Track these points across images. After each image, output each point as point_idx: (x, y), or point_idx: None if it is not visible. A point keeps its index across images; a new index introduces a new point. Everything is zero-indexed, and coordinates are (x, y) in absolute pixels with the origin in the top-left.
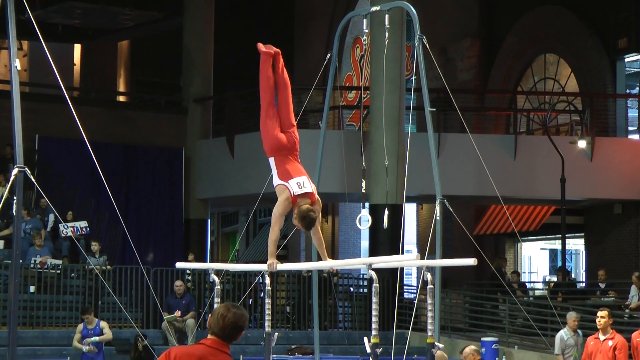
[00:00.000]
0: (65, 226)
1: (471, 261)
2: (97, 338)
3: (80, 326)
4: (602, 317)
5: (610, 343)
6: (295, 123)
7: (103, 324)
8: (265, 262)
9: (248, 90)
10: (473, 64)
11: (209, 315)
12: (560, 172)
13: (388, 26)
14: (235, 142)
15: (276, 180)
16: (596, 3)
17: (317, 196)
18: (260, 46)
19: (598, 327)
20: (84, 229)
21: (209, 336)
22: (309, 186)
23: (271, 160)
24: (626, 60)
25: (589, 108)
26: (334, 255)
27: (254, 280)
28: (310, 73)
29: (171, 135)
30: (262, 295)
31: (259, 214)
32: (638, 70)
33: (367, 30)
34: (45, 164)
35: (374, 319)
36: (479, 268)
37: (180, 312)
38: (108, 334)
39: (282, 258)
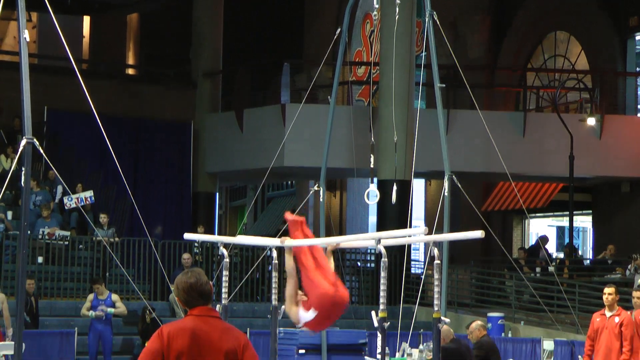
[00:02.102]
0: (70, 198)
1: (478, 234)
2: (112, 310)
3: (91, 296)
4: (609, 293)
5: (616, 319)
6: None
7: (115, 296)
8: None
9: (257, 64)
10: (483, 40)
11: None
12: (569, 149)
13: (398, 2)
14: (244, 116)
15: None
16: None
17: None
18: (288, 217)
19: (605, 303)
20: (88, 199)
21: (190, 309)
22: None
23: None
24: (637, 38)
25: (598, 86)
26: (341, 230)
27: (261, 254)
28: (320, 48)
29: (180, 109)
30: (270, 268)
31: (267, 189)
32: None
33: (377, 6)
34: (53, 137)
35: (381, 294)
36: (486, 244)
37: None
38: (122, 307)
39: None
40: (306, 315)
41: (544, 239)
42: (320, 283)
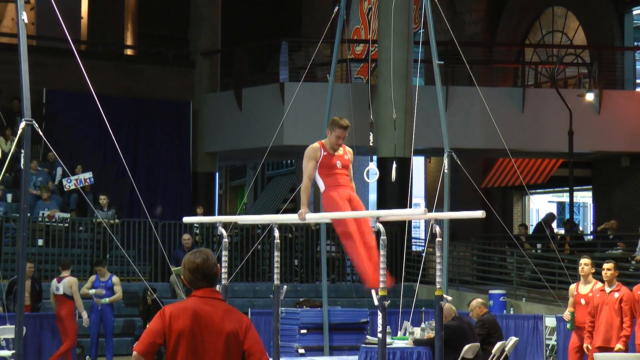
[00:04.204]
0: (69, 180)
1: (479, 213)
2: (107, 300)
3: (93, 277)
4: (608, 269)
5: (616, 295)
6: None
7: (115, 279)
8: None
9: (256, 43)
10: (481, 17)
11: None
12: (568, 124)
13: None
14: (243, 96)
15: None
16: None
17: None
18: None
19: (604, 279)
20: (87, 180)
21: (194, 290)
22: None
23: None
24: (634, 12)
25: (596, 61)
26: None
27: (262, 233)
28: (318, 26)
29: (179, 89)
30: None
31: (266, 167)
32: None
33: None
34: (53, 117)
35: (381, 272)
36: (487, 221)
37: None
38: (118, 292)
39: (289, 211)
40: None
41: (550, 217)
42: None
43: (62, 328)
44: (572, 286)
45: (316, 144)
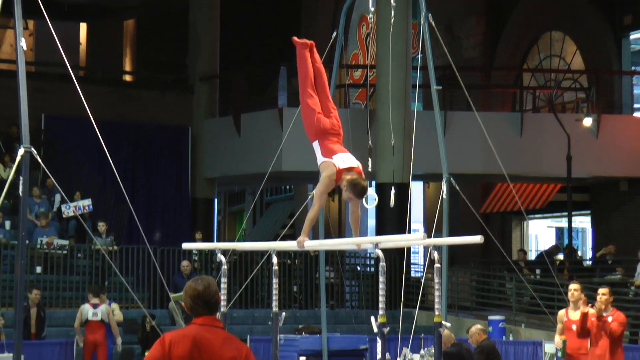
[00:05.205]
0: (67, 206)
1: (477, 238)
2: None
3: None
4: (603, 294)
5: (610, 319)
6: (335, 108)
7: (114, 305)
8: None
9: (254, 68)
10: (479, 42)
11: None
12: (566, 149)
13: (394, 4)
14: (241, 121)
15: (320, 159)
16: None
17: (362, 172)
18: (295, 39)
19: (599, 304)
20: (86, 207)
21: (195, 318)
22: (354, 161)
23: (315, 143)
24: (631, 37)
25: (594, 85)
26: (340, 234)
27: (260, 260)
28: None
29: (177, 114)
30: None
31: (265, 193)
32: None
33: (373, 8)
34: (51, 143)
35: (381, 298)
36: (485, 246)
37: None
38: (118, 315)
39: (288, 237)
40: (319, 155)
41: (555, 250)
42: (314, 110)
43: (98, 352)
44: (562, 312)
45: (334, 175)
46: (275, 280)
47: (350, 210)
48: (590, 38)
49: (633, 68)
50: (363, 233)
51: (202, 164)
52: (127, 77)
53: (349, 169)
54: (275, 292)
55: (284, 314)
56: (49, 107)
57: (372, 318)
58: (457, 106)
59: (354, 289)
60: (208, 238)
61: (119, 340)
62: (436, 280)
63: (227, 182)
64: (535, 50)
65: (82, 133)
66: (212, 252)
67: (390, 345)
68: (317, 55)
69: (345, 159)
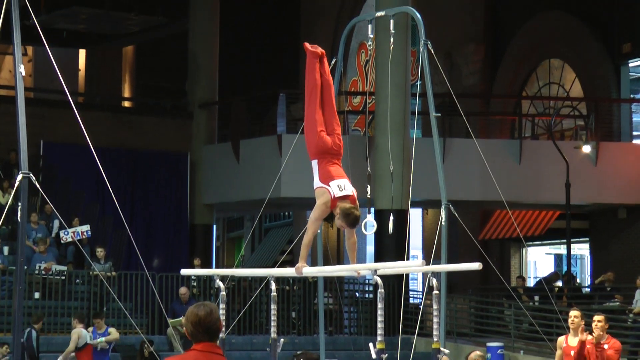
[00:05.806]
0: (66, 232)
1: (476, 265)
2: (103, 338)
3: (90, 329)
4: (598, 321)
5: (606, 347)
6: (339, 124)
7: (112, 329)
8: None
9: (253, 95)
10: (478, 69)
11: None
12: (565, 176)
13: (393, 31)
14: (240, 147)
15: (317, 183)
16: (600, 8)
17: (356, 200)
18: (307, 46)
19: (594, 331)
20: (84, 233)
21: (195, 344)
22: (350, 189)
23: (314, 162)
24: (630, 65)
25: (593, 113)
26: (339, 261)
27: (259, 286)
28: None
29: (176, 140)
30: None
31: (264, 219)
32: None
33: (372, 36)
34: (50, 169)
35: (379, 325)
36: (484, 273)
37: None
38: (114, 334)
39: (287, 263)
40: (316, 179)
41: (554, 277)
42: (318, 128)
43: None
44: (561, 338)
45: (329, 202)
46: (273, 306)
47: (346, 236)
48: (589, 66)
49: (632, 96)
50: (362, 259)
51: (201, 190)
52: (126, 103)
53: (344, 197)
54: (273, 318)
55: (282, 340)
56: (48, 133)
57: (371, 344)
58: (456, 133)
59: (352, 315)
60: (206, 264)
61: (98, 343)
62: (435, 306)
63: (226, 208)
64: (534, 78)
65: (80, 159)
66: (210, 278)
67: None
68: (327, 67)
69: (341, 186)
